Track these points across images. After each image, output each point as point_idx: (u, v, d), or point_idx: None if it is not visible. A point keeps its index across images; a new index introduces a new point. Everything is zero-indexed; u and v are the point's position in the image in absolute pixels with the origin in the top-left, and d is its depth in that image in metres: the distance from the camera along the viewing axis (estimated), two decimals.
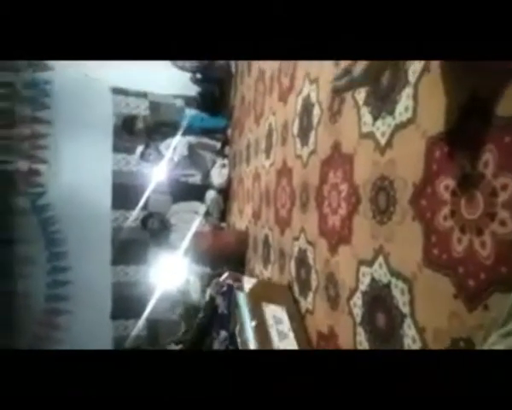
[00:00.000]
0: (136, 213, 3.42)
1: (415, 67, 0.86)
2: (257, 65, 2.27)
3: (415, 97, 0.86)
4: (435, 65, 0.79)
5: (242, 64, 2.67)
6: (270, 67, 1.98)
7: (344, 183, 1.16)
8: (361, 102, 1.08)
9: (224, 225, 3.12)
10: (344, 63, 1.07)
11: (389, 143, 0.94)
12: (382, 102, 0.97)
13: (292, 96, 1.64)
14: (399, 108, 0.91)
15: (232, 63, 2.91)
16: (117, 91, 3.55)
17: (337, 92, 0.95)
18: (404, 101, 0.89)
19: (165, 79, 3.43)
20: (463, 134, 0.73)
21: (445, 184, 0.76)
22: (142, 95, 3.61)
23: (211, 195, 3.15)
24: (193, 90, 3.45)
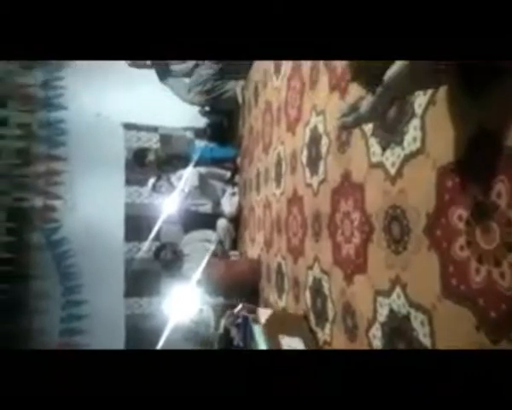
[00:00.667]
0: (148, 245, 3.46)
1: (420, 100, 0.88)
2: (264, 97, 2.33)
3: (422, 128, 0.88)
4: (441, 98, 0.81)
5: (249, 96, 2.75)
6: (276, 99, 2.04)
7: (356, 211, 1.16)
8: (369, 134, 1.10)
9: (236, 253, 3.12)
10: (350, 99, 1.10)
11: (399, 173, 0.95)
12: (390, 134, 0.99)
13: (299, 127, 1.68)
14: (408, 138, 0.93)
15: (239, 92, 2.99)
16: (128, 127, 3.66)
17: (345, 128, 0.97)
18: (412, 132, 0.91)
19: (175, 112, 3.53)
20: (473, 164, 0.74)
21: (459, 214, 0.76)
22: (153, 129, 3.71)
23: (222, 223, 3.17)
24: (202, 122, 3.55)
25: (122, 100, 3.55)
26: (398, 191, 0.96)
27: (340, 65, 1.29)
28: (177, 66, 3.12)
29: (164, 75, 3.17)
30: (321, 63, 1.44)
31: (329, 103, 1.37)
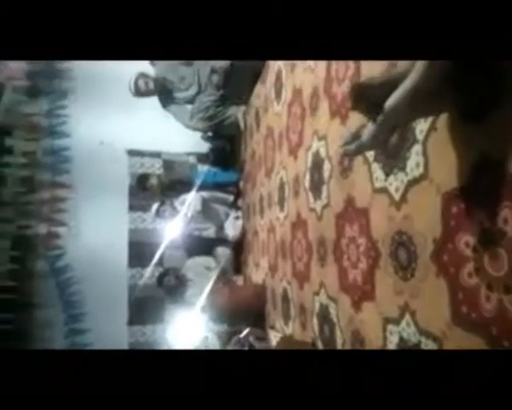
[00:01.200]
0: (151, 270, 3.44)
1: (421, 126, 0.89)
2: (265, 123, 2.37)
3: (424, 154, 0.88)
4: (442, 124, 0.82)
5: (251, 121, 2.79)
6: (278, 125, 2.07)
7: (361, 237, 1.16)
8: (371, 159, 1.11)
9: (239, 278, 3.09)
10: (351, 126, 1.11)
11: (404, 199, 0.95)
12: (392, 159, 1.00)
13: (301, 152, 1.69)
14: (410, 164, 0.93)
15: (240, 117, 3.03)
16: (132, 153, 3.71)
17: (347, 156, 0.98)
18: (415, 157, 0.91)
19: (177, 138, 3.58)
20: (478, 191, 0.73)
21: (466, 241, 0.75)
22: (156, 154, 3.76)
23: (222, 251, 3.16)
24: (205, 148, 3.59)
25: (125, 127, 3.61)
26: (403, 217, 0.95)
27: (339, 92, 1.31)
28: (180, 93, 3.18)
29: (166, 102, 3.23)
30: (321, 90, 1.47)
31: (331, 129, 1.39)
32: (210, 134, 3.49)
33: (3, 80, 3.53)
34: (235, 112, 3.00)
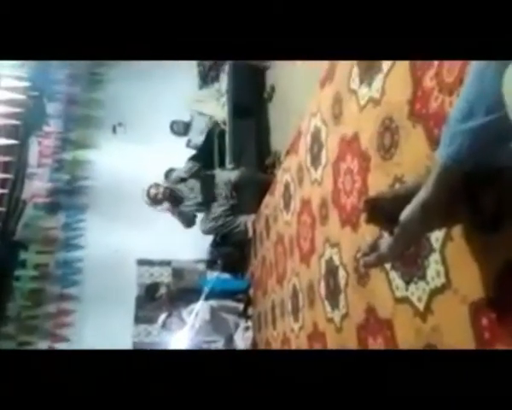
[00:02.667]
0: None
1: (436, 234, 0.91)
2: (275, 230, 2.43)
3: (444, 263, 0.88)
4: (458, 234, 0.83)
5: (261, 229, 2.86)
6: (288, 232, 2.12)
7: None
8: (388, 267, 1.10)
9: None
10: (364, 234, 1.14)
11: (429, 309, 0.92)
12: (411, 268, 0.99)
13: (314, 258, 1.69)
14: (430, 273, 0.92)
15: (250, 226, 3.12)
16: (142, 263, 3.74)
17: (367, 267, 0.98)
18: (434, 266, 0.91)
19: (187, 245, 3.65)
20: (506, 299, 0.71)
21: None
22: (166, 263, 3.78)
23: None
24: (214, 254, 3.62)
25: (138, 237, 3.71)
26: (431, 329, 0.91)
27: (348, 203, 1.37)
28: (190, 202, 3.33)
29: (176, 210, 3.37)
30: (329, 201, 1.54)
31: (343, 236, 1.41)
32: (218, 240, 3.55)
33: (27, 198, 3.77)
34: (245, 220, 3.10)
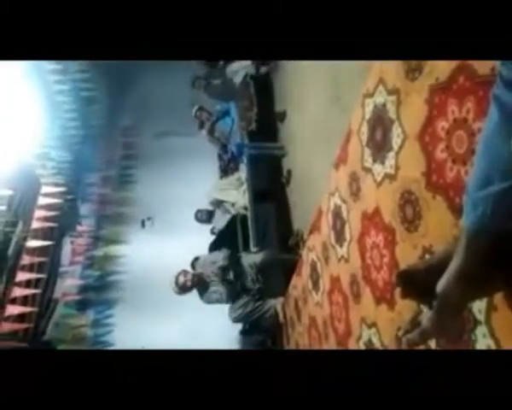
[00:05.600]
0: None
1: (478, 305, 0.87)
2: (306, 313, 2.35)
3: (493, 336, 0.83)
4: (501, 302, 0.80)
5: (291, 312, 2.77)
6: (320, 314, 2.04)
7: None
8: (433, 345, 1.04)
9: None
10: (401, 311, 1.09)
11: None
12: (457, 344, 0.93)
13: (351, 341, 1.61)
14: (479, 347, 0.86)
15: (279, 309, 3.02)
16: None
17: (411, 346, 0.93)
18: (482, 340, 0.86)
19: (216, 334, 3.53)
20: None
21: None
22: None
23: None
24: (244, 344, 3.47)
25: (166, 328, 3.64)
26: None
27: (380, 278, 1.35)
28: (217, 286, 3.29)
29: (204, 296, 3.33)
30: (359, 277, 1.51)
31: (379, 316, 1.36)
32: (247, 328, 3.43)
33: (58, 297, 3.85)
34: (274, 304, 3.03)
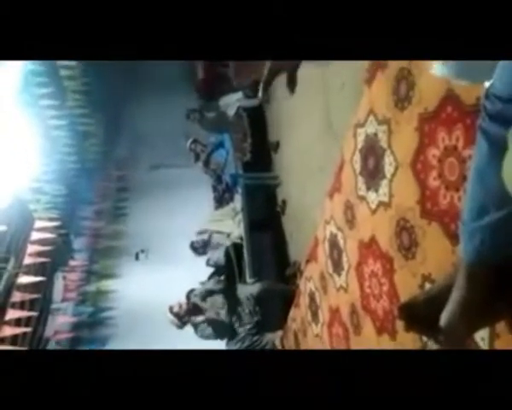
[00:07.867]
0: None
1: (481, 334, 0.85)
2: (306, 346, 2.29)
3: None
4: (503, 330, 0.79)
5: (290, 345, 2.70)
6: (319, 346, 1.99)
7: None
8: None
9: None
10: (402, 342, 1.07)
11: None
12: None
13: None
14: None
15: (278, 343, 2.94)
16: None
17: None
18: None
19: None
20: None
21: None
22: None
23: None
24: None
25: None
26: None
27: (379, 308, 1.33)
28: (210, 319, 3.21)
29: (198, 329, 3.24)
30: (359, 307, 1.48)
31: (381, 346, 1.32)
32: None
33: (49, 335, 3.72)
34: (272, 338, 2.95)
